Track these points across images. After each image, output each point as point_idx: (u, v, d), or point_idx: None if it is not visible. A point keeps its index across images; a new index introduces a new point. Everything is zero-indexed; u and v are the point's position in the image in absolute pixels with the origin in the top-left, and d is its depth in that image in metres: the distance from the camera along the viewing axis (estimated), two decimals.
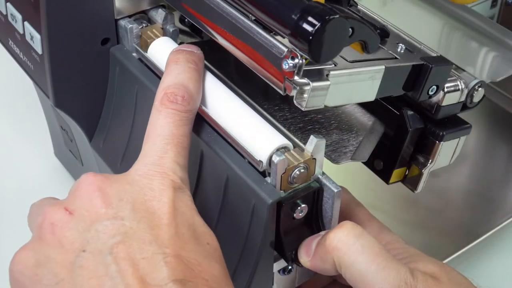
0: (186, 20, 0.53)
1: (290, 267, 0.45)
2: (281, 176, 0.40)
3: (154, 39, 0.49)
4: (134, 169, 0.40)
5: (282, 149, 0.41)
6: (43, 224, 0.37)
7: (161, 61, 0.48)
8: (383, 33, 0.46)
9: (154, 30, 0.50)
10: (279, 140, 0.41)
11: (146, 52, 0.49)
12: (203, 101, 0.45)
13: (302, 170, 0.41)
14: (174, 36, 0.51)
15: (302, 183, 0.41)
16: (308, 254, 0.42)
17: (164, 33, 0.50)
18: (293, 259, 0.43)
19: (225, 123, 0.44)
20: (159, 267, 0.35)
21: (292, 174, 0.40)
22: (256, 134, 0.42)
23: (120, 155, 0.52)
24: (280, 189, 0.40)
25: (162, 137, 0.40)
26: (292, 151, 0.41)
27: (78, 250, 0.35)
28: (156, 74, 0.49)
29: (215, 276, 0.36)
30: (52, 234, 0.37)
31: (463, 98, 0.46)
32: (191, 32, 0.54)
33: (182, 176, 0.39)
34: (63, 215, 0.37)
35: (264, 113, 0.46)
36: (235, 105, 0.44)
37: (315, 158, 0.41)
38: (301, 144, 0.43)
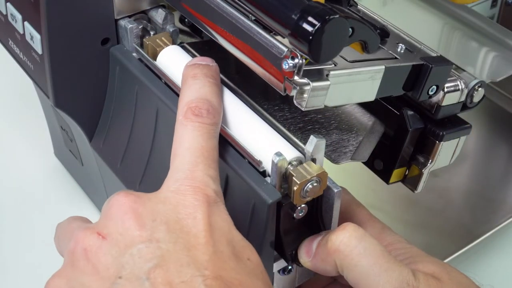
0: (186, 20, 0.53)
1: (290, 267, 0.45)
2: (293, 191, 0.39)
3: (164, 48, 0.49)
4: (166, 186, 0.38)
5: (295, 162, 0.41)
6: (76, 249, 0.36)
7: (171, 69, 0.47)
8: (383, 33, 0.46)
9: (163, 38, 0.49)
10: (292, 153, 0.41)
11: (155, 60, 0.49)
12: None
13: (315, 184, 0.40)
14: (174, 36, 0.51)
15: (314, 196, 0.40)
16: (309, 255, 0.42)
17: (173, 41, 0.50)
18: (293, 259, 0.43)
19: (236, 136, 0.43)
20: None
21: (305, 188, 0.40)
22: (268, 147, 0.42)
23: (120, 155, 0.52)
24: (294, 203, 0.40)
25: (192, 150, 0.39)
26: (304, 165, 0.40)
27: (114, 277, 0.34)
28: (156, 75, 0.49)
29: None
30: (86, 260, 0.35)
31: (463, 98, 0.46)
32: (191, 32, 0.54)
33: (215, 189, 0.38)
34: (96, 240, 0.36)
35: (264, 113, 0.46)
36: (245, 117, 0.44)
37: (326, 173, 0.40)
38: (301, 144, 0.43)
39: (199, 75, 0.44)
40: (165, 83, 0.48)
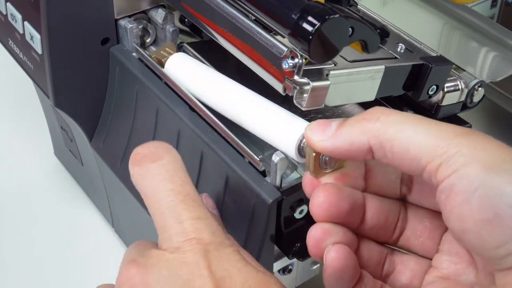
0: (186, 20, 0.53)
1: (290, 267, 0.45)
2: (312, 161, 0.36)
3: (168, 57, 0.48)
4: (164, 249, 0.35)
5: None
6: None
7: (180, 77, 0.47)
8: (383, 33, 0.46)
9: (167, 48, 0.49)
10: (305, 125, 0.39)
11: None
12: (212, 101, 0.44)
13: None
14: (174, 36, 0.51)
15: (333, 166, 0.37)
16: (325, 134, 0.35)
17: (178, 49, 0.50)
18: (294, 254, 0.43)
19: (242, 117, 0.43)
20: None
21: (323, 158, 0.36)
22: (278, 124, 0.40)
23: (120, 155, 0.52)
24: (312, 173, 0.37)
25: (165, 201, 0.35)
26: None
27: None
28: (157, 75, 0.49)
29: None
30: None
31: (463, 98, 0.46)
32: (191, 32, 0.54)
33: (210, 229, 0.35)
34: None
35: None
36: (249, 98, 0.43)
37: None
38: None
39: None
40: (165, 83, 0.48)
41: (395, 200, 0.38)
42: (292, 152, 0.39)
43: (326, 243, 0.35)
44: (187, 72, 0.47)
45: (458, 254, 0.36)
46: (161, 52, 0.49)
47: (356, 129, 0.34)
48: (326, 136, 0.35)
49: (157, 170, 0.36)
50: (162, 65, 0.49)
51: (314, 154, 0.36)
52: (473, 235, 0.31)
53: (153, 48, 0.52)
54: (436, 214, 0.37)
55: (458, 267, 0.36)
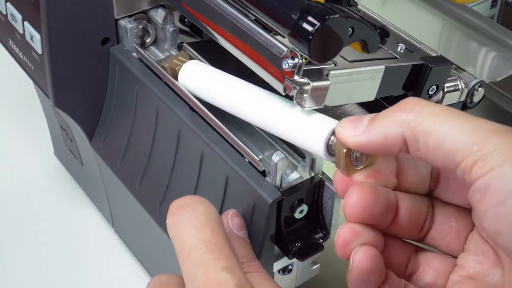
0: (186, 20, 0.53)
1: (290, 267, 0.45)
2: (343, 158, 0.35)
3: (182, 65, 0.47)
4: None
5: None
6: None
7: (196, 85, 0.46)
8: (383, 33, 0.46)
9: (180, 57, 0.48)
10: (332, 122, 0.38)
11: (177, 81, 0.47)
12: (233, 106, 0.43)
13: None
14: (174, 36, 0.51)
15: (364, 162, 0.36)
16: (357, 130, 0.34)
17: (190, 57, 0.49)
18: (294, 254, 0.43)
19: (266, 120, 0.41)
20: None
21: (354, 154, 0.36)
22: (304, 123, 0.39)
23: (120, 155, 0.52)
24: (343, 170, 0.36)
25: (193, 249, 0.35)
26: None
27: None
28: (157, 75, 0.49)
29: None
30: None
31: (463, 98, 0.46)
32: (191, 32, 0.54)
33: (236, 281, 0.34)
34: None
35: None
36: (272, 100, 0.42)
37: None
38: None
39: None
40: (165, 83, 0.48)
41: (423, 198, 0.38)
42: (320, 151, 0.38)
43: (354, 244, 0.35)
44: (204, 79, 0.46)
45: (484, 253, 0.35)
46: (174, 61, 0.48)
47: (390, 121, 0.33)
48: (358, 131, 0.34)
49: (189, 219, 0.36)
50: (176, 74, 0.47)
51: (345, 151, 0.35)
52: (507, 237, 0.31)
53: (153, 49, 0.52)
54: (462, 212, 0.37)
55: (484, 267, 0.35)
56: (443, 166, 0.32)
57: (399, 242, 0.38)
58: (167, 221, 0.37)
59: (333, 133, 0.37)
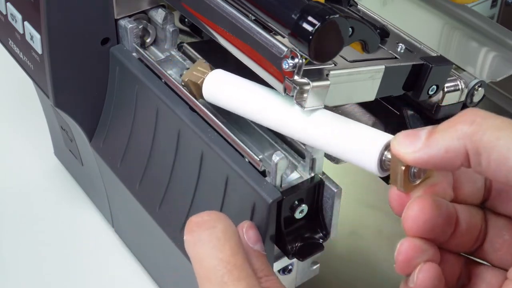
0: (186, 20, 0.53)
1: (290, 267, 0.45)
2: (403, 176, 0.34)
3: (204, 77, 0.44)
4: None
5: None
6: None
7: (224, 99, 0.43)
8: (383, 33, 0.46)
9: (199, 68, 0.44)
10: (385, 137, 0.36)
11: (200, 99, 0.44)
12: (271, 118, 0.41)
13: None
14: (174, 36, 0.51)
15: (421, 177, 0.35)
16: (415, 145, 0.32)
17: (211, 67, 0.45)
18: (294, 254, 0.43)
19: (311, 134, 0.39)
20: None
21: (412, 170, 0.34)
22: (354, 138, 0.37)
23: (120, 155, 0.52)
24: (401, 188, 0.35)
25: (211, 270, 0.35)
26: None
27: None
28: (157, 75, 0.49)
29: None
30: None
31: (463, 98, 0.46)
32: (191, 32, 0.54)
33: None
34: None
35: None
36: (315, 113, 0.40)
37: None
38: (301, 144, 0.43)
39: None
40: (165, 83, 0.48)
41: (478, 209, 0.36)
42: (373, 167, 0.36)
43: (417, 260, 0.34)
44: (235, 91, 0.43)
45: None
46: (194, 73, 0.44)
47: (450, 134, 0.31)
48: (416, 147, 0.32)
49: (207, 238, 0.36)
50: (198, 88, 0.44)
51: (403, 168, 0.33)
52: None
53: (153, 49, 0.52)
54: None
55: None
56: (505, 181, 0.31)
57: (452, 255, 0.36)
58: (184, 238, 0.37)
59: (386, 148, 0.35)
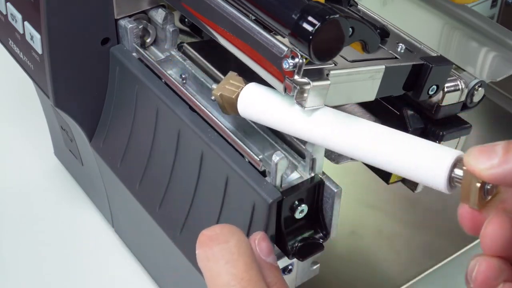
0: (186, 20, 0.53)
1: (290, 267, 0.45)
2: (477, 193, 0.33)
3: (238, 91, 0.41)
4: None
5: (459, 163, 0.34)
6: None
7: (264, 114, 0.40)
8: (383, 33, 0.46)
9: (231, 81, 0.42)
10: (454, 152, 0.35)
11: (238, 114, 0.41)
12: (328, 136, 0.39)
13: None
14: (174, 36, 0.51)
15: (493, 193, 0.34)
16: (491, 160, 0.31)
17: (245, 81, 0.42)
18: (294, 254, 0.43)
19: (374, 152, 0.37)
20: None
21: (486, 186, 0.33)
22: (419, 155, 0.36)
23: (120, 155, 0.52)
24: (474, 205, 0.34)
25: (225, 286, 0.34)
26: None
27: None
28: (157, 75, 0.49)
29: None
30: None
31: (463, 98, 0.46)
32: (191, 32, 0.54)
33: None
34: None
35: None
36: (376, 129, 0.38)
37: None
38: (301, 144, 0.43)
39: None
40: (165, 83, 0.48)
41: None
42: (442, 185, 0.35)
43: (497, 281, 0.33)
44: (278, 105, 0.40)
45: None
46: (226, 86, 0.42)
47: None
48: (494, 162, 0.31)
49: (221, 253, 0.35)
50: (232, 103, 0.41)
51: (479, 185, 0.32)
52: None
53: (153, 49, 0.52)
54: None
55: None
56: None
57: None
58: (196, 252, 0.36)
59: (455, 164, 0.34)
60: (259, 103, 0.41)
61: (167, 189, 0.48)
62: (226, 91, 0.41)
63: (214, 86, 0.43)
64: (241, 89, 0.41)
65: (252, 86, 0.41)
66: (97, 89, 0.52)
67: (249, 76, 0.43)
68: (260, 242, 0.39)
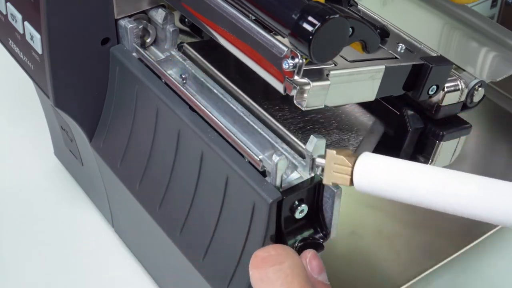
0: (186, 20, 0.53)
1: None
2: None
3: (350, 176, 0.37)
4: None
5: None
6: None
7: (385, 189, 0.38)
8: (383, 33, 0.46)
9: (335, 164, 0.37)
10: None
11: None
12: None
13: None
14: (174, 36, 0.51)
15: None
16: None
17: (349, 158, 0.38)
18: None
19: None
20: None
21: None
22: (500, 198, 0.36)
23: (120, 155, 0.52)
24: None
25: None
26: None
27: None
28: (157, 75, 0.49)
29: None
30: None
31: (463, 98, 0.46)
32: (191, 32, 0.54)
33: None
34: None
35: (265, 113, 0.46)
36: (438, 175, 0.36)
37: None
38: (301, 144, 0.43)
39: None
40: (165, 83, 0.48)
41: None
42: None
43: None
44: (394, 177, 0.37)
45: None
46: (333, 173, 0.37)
47: None
48: None
49: (275, 274, 0.35)
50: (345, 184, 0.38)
51: None
52: None
53: (153, 49, 0.52)
54: None
55: None
56: None
57: None
58: (250, 273, 0.36)
59: None
60: (381, 179, 0.37)
61: (167, 189, 0.48)
62: (338, 179, 0.38)
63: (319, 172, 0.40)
64: (353, 168, 0.37)
65: (365, 164, 0.37)
66: (97, 89, 0.52)
67: (250, 76, 0.43)
68: (311, 260, 0.39)
